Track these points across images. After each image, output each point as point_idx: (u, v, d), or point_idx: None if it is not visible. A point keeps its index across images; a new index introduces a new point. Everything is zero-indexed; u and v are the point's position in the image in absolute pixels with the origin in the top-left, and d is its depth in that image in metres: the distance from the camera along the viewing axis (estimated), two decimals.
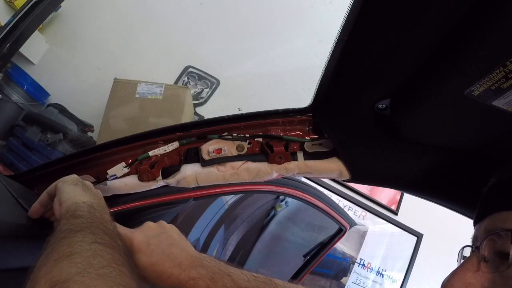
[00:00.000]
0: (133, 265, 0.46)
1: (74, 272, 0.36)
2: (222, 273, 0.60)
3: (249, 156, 0.79)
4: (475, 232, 0.52)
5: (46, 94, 2.34)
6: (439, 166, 0.69)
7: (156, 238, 0.61)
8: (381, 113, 0.63)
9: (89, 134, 2.19)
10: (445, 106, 0.53)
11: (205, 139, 0.80)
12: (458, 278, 0.47)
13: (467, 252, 0.52)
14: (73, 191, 0.58)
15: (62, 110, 2.13)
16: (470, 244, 0.53)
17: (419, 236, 2.81)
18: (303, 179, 1.76)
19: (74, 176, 0.64)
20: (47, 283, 0.34)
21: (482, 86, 0.45)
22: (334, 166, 0.77)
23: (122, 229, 0.60)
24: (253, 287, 0.63)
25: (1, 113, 2.10)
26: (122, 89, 1.95)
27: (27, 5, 0.72)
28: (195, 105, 2.44)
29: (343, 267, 2.71)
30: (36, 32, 2.26)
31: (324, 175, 0.80)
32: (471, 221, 0.55)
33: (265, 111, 0.79)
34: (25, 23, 0.71)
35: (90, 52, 2.46)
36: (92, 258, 0.39)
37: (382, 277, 2.78)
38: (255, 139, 0.79)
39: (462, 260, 0.51)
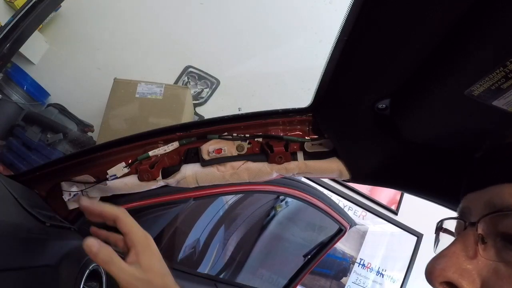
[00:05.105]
0: None
1: None
2: None
3: (249, 156, 0.79)
4: (465, 203, 0.41)
5: (46, 94, 2.34)
6: (439, 166, 0.69)
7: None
8: (381, 113, 0.63)
9: (89, 134, 2.19)
10: (445, 106, 0.53)
11: (205, 139, 0.80)
12: (451, 263, 0.36)
13: (448, 225, 0.42)
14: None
15: (62, 110, 2.13)
16: (457, 216, 0.41)
17: (419, 236, 2.81)
18: (303, 179, 1.76)
19: None
20: None
21: (482, 86, 0.45)
22: (334, 166, 0.77)
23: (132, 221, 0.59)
24: None
25: (1, 113, 2.10)
26: (122, 89, 1.95)
27: (27, 5, 0.72)
28: (195, 105, 2.44)
29: (343, 267, 2.71)
30: (36, 32, 2.26)
31: (324, 175, 0.80)
32: None
33: (265, 111, 0.79)
34: (25, 23, 0.71)
35: (90, 52, 2.46)
36: None
37: (382, 277, 2.78)
38: (255, 139, 0.79)
39: (443, 236, 0.41)
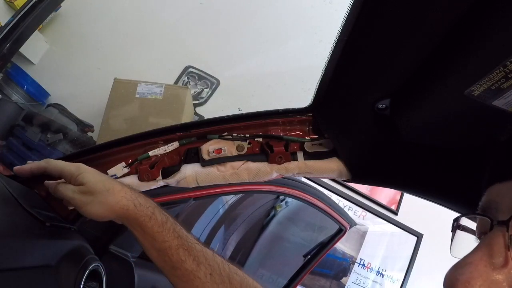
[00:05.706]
0: None
1: None
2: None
3: (249, 156, 0.79)
4: (491, 196, 0.34)
5: (46, 94, 2.34)
6: (439, 166, 0.70)
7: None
8: (381, 113, 0.63)
9: (89, 134, 2.19)
10: (445, 106, 0.53)
11: (205, 139, 0.80)
12: (478, 273, 0.29)
13: (466, 222, 0.36)
14: None
15: (62, 110, 2.13)
16: (480, 212, 0.34)
17: (419, 236, 2.81)
18: (303, 179, 1.76)
19: None
20: None
21: (482, 86, 0.45)
22: (334, 166, 0.77)
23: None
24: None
25: (1, 113, 2.10)
26: (122, 89, 1.96)
27: (27, 5, 0.72)
28: (195, 105, 2.44)
29: (343, 267, 2.71)
30: (36, 32, 2.26)
31: (324, 175, 0.80)
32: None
33: (265, 111, 0.79)
34: (25, 23, 0.71)
35: (90, 52, 2.46)
36: None
37: (382, 277, 2.78)
38: (255, 139, 0.79)
39: (461, 236, 0.35)
